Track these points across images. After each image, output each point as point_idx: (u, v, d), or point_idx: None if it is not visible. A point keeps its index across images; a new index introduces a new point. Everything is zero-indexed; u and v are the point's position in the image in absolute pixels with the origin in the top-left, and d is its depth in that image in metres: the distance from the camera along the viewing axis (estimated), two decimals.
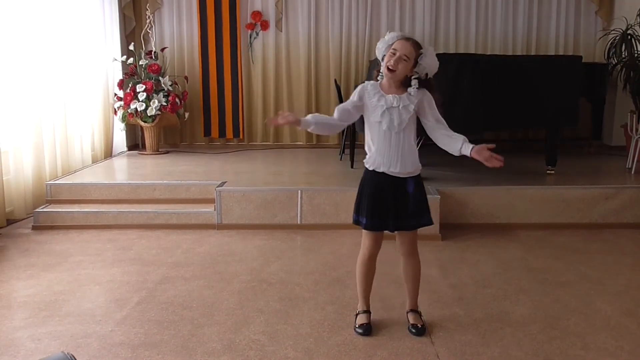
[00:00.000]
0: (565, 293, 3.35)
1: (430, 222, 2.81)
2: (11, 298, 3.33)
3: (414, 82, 2.64)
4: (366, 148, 2.78)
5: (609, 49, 6.62)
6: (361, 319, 2.87)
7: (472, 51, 7.07)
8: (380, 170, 2.70)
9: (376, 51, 2.73)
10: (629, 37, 6.42)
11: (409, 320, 2.88)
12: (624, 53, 6.46)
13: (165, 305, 3.17)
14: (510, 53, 7.16)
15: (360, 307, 2.92)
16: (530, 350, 2.66)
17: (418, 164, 2.75)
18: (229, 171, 5.67)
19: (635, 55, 6.38)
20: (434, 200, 4.40)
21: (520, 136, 7.49)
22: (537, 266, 3.82)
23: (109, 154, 6.75)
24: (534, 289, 3.41)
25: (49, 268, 3.78)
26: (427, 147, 5.76)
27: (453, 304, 3.19)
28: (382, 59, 2.67)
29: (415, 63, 2.62)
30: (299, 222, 4.64)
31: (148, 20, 7.12)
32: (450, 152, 2.68)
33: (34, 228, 4.70)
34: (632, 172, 5.41)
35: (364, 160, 2.77)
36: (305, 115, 2.73)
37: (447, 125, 2.71)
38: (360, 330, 2.82)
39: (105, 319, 3.01)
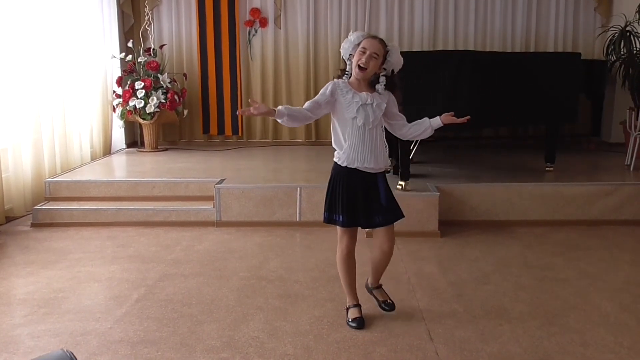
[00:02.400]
0: (564, 289, 3.35)
1: (403, 215, 2.86)
2: (10, 295, 3.33)
3: (382, 79, 2.72)
4: (335, 145, 2.80)
5: (608, 45, 6.62)
6: (353, 313, 2.90)
7: (471, 48, 7.06)
8: (354, 166, 2.73)
9: (341, 51, 2.78)
10: (628, 33, 6.42)
11: (377, 298, 2.95)
12: (622, 50, 6.46)
13: (165, 303, 3.17)
14: (509, 50, 7.15)
15: (349, 301, 2.94)
16: (529, 346, 2.67)
17: (388, 160, 2.86)
18: (228, 168, 5.66)
19: (634, 52, 6.39)
20: (433, 198, 4.41)
21: (519, 133, 7.49)
22: (536, 263, 3.82)
23: (107, 151, 6.74)
24: (532, 286, 3.41)
25: (48, 265, 3.78)
26: (426, 145, 5.79)
27: (452, 300, 3.20)
28: (348, 59, 2.73)
29: (384, 60, 2.69)
30: (298, 219, 4.64)
31: (147, 17, 7.11)
32: (423, 137, 2.88)
33: (33, 225, 4.70)
34: (631, 169, 5.41)
35: (336, 157, 2.80)
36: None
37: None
38: (354, 324, 2.85)
39: (104, 316, 3.01)
